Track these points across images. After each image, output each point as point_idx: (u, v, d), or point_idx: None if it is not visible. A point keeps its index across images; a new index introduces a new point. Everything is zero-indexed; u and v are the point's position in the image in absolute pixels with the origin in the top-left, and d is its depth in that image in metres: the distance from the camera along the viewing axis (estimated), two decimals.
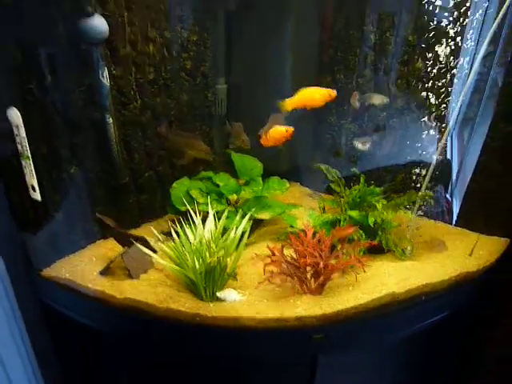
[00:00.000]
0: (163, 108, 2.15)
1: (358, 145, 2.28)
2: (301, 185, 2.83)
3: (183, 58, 2.19)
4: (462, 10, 1.91)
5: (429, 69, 2.08)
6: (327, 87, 2.18)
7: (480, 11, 1.89)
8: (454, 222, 2.29)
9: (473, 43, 1.96)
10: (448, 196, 2.37)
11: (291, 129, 1.96)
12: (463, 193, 2.23)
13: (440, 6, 1.93)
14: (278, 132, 1.98)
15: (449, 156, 2.30)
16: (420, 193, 2.02)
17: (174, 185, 2.14)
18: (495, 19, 1.78)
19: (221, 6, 2.30)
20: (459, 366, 2.20)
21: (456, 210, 2.31)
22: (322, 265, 1.61)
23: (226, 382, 1.81)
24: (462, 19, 1.92)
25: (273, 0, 2.25)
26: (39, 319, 1.97)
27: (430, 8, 1.97)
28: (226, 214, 1.86)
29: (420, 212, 2.24)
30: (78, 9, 1.66)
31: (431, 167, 2.02)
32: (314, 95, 1.90)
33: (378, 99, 2.09)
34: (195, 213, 1.87)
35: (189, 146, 2.13)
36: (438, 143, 2.15)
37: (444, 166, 2.29)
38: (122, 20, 1.86)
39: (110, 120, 1.88)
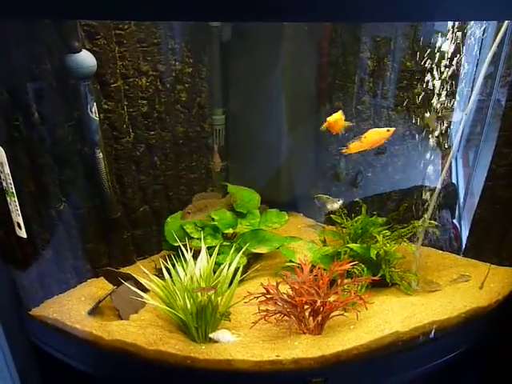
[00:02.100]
0: (158, 141, 2.11)
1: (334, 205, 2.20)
2: (304, 216, 2.75)
3: (178, 90, 2.16)
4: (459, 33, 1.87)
5: (429, 92, 2.03)
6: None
7: (478, 32, 1.84)
8: (462, 250, 2.19)
9: (473, 65, 1.90)
10: (455, 221, 2.28)
11: (392, 129, 1.81)
12: (471, 219, 2.13)
13: (437, 31, 1.89)
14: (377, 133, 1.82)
15: (454, 180, 2.22)
16: (424, 222, 1.92)
17: (168, 219, 2.07)
18: (494, 40, 1.74)
19: (215, 37, 2.27)
20: None
21: (464, 236, 2.21)
22: (319, 303, 1.52)
23: None
24: (460, 42, 1.87)
25: (268, 29, 2.22)
26: (29, 359, 1.90)
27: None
28: (217, 249, 1.78)
29: (426, 241, 2.14)
30: (66, 45, 1.64)
31: (435, 194, 1.94)
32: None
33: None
34: (187, 249, 1.80)
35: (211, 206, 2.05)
36: (441, 167, 2.08)
37: (450, 190, 2.20)
38: (113, 54, 1.84)
39: (101, 155, 1.83)
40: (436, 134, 1.97)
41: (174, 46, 2.07)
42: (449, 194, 2.20)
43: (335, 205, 2.03)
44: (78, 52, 1.65)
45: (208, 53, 2.28)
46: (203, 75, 2.27)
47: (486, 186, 2.04)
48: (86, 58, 1.67)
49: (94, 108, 1.76)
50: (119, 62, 1.88)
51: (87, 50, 1.72)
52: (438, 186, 1.98)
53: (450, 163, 2.04)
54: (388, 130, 1.78)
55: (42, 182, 1.76)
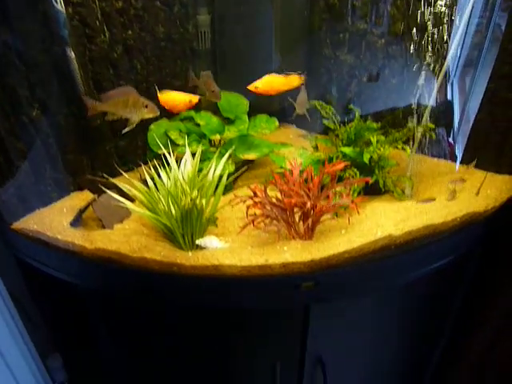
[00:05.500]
0: (136, 42, 1.94)
1: None
2: (296, 127, 2.64)
3: None
4: None
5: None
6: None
7: None
8: (457, 164, 2.11)
9: None
10: (451, 140, 2.19)
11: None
12: (467, 136, 2.04)
13: None
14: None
15: (450, 98, 2.11)
16: (420, 126, 1.82)
17: (152, 126, 1.95)
18: None
19: None
20: (463, 318, 2.07)
21: (459, 154, 2.13)
22: (309, 205, 1.44)
23: (210, 335, 1.69)
24: None
25: None
26: (17, 275, 1.88)
27: None
28: (200, 151, 1.67)
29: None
30: None
31: (431, 98, 1.83)
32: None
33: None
34: (170, 154, 1.70)
35: None
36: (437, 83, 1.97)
37: (445, 107, 2.10)
38: None
39: (72, 54, 1.68)
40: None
41: None
42: (444, 111, 2.10)
43: None
44: None
45: None
46: None
47: (487, 89, 1.92)
48: None
49: None
50: None
51: None
52: (434, 91, 1.87)
53: (445, 76, 1.92)
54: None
55: (9, 85, 1.61)
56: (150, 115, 1.63)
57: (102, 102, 1.58)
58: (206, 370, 1.82)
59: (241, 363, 1.79)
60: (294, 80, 1.73)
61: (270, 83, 1.71)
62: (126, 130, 1.65)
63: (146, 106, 1.60)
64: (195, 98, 1.70)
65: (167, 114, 2.07)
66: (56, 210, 1.80)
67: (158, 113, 1.65)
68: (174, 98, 1.71)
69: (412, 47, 2.03)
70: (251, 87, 1.70)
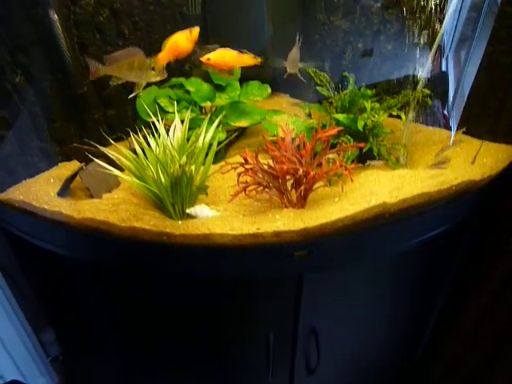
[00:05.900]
0: (124, 5, 1.87)
1: None
2: (290, 96, 2.58)
3: None
4: None
5: None
6: None
7: None
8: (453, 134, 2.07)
9: None
10: (445, 112, 2.14)
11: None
12: (462, 107, 1.98)
13: None
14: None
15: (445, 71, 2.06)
16: (415, 92, 1.77)
17: (141, 93, 1.88)
18: None
19: None
20: (458, 286, 2.06)
21: (454, 126, 2.07)
22: (301, 172, 1.40)
23: (202, 306, 1.67)
24: None
25: None
26: (6, 249, 1.85)
27: None
28: (188, 115, 1.61)
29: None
30: None
31: (427, 67, 1.79)
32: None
33: None
34: (159, 121, 1.64)
35: None
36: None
37: (440, 80, 2.04)
38: None
39: (55, 16, 1.61)
40: None
41: None
42: (439, 82, 2.04)
43: None
44: None
45: None
46: None
47: (485, 53, 1.87)
48: None
49: None
50: None
51: None
52: (430, 58, 1.82)
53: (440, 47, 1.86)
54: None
55: None
56: (158, 78, 1.52)
57: (106, 65, 1.49)
58: (198, 341, 1.81)
59: (234, 334, 1.78)
60: (247, 59, 1.66)
61: (222, 56, 1.63)
62: (133, 94, 1.55)
63: (153, 69, 1.50)
64: (195, 31, 1.57)
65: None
66: (43, 180, 1.76)
67: (166, 75, 1.53)
68: (176, 40, 1.56)
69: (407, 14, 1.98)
70: (203, 59, 1.62)
